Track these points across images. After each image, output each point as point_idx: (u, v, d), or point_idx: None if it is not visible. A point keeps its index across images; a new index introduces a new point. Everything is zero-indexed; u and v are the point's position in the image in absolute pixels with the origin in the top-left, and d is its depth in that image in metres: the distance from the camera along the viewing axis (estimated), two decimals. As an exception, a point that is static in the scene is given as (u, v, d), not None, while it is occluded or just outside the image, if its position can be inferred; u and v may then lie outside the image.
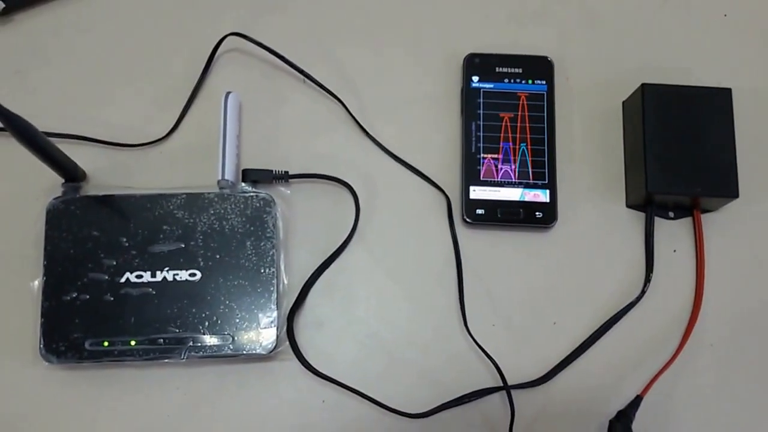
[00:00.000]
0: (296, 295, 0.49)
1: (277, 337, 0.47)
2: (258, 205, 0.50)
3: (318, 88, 0.54)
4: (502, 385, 0.48)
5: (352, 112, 0.54)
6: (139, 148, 0.53)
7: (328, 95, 0.54)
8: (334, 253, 0.51)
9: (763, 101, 0.55)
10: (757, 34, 0.57)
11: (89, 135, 0.52)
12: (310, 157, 0.53)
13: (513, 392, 0.48)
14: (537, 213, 0.51)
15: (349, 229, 0.51)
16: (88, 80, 0.54)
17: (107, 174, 0.52)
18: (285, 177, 0.51)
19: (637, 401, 0.48)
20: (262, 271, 0.48)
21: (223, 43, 0.54)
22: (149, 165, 0.52)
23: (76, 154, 0.49)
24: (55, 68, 0.55)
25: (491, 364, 0.48)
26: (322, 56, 0.55)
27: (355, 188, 0.52)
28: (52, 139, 0.46)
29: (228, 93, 0.51)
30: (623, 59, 0.56)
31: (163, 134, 0.53)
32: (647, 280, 0.51)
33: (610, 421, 0.48)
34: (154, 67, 0.55)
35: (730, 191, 0.49)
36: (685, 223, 0.53)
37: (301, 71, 0.54)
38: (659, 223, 0.52)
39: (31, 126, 0.43)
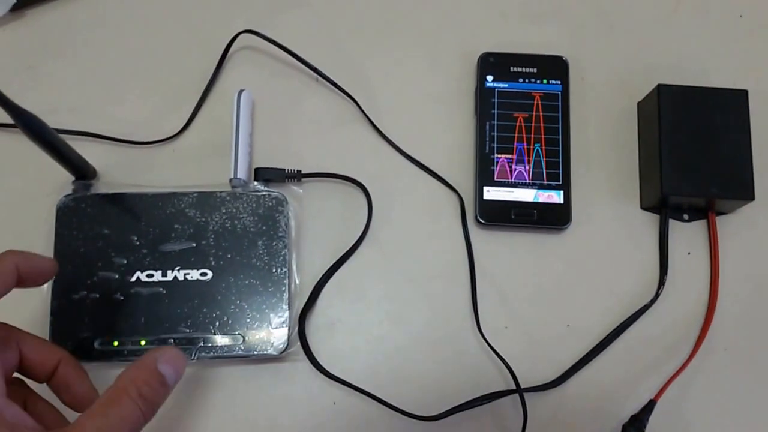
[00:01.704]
0: (308, 295, 0.49)
1: (289, 337, 0.47)
2: (270, 204, 0.49)
3: (331, 86, 0.54)
4: (514, 388, 0.47)
5: (365, 111, 0.53)
6: (150, 145, 0.52)
7: (342, 94, 0.54)
8: (347, 253, 0.50)
9: (779, 103, 0.55)
10: (774, 36, 0.57)
11: (100, 132, 0.52)
12: (322, 156, 0.52)
13: (526, 395, 0.47)
14: (551, 214, 0.51)
15: (362, 229, 0.51)
16: (100, 77, 0.54)
17: (118, 172, 0.51)
18: (297, 176, 0.51)
19: (650, 405, 0.48)
20: (274, 270, 0.48)
21: (236, 41, 0.54)
22: (161, 163, 0.52)
23: (87, 151, 0.49)
24: (67, 64, 0.54)
25: (504, 366, 0.48)
26: (336, 55, 0.55)
27: (368, 188, 0.51)
28: (63, 136, 0.45)
29: (241, 91, 0.51)
30: (639, 60, 0.56)
31: (175, 132, 0.53)
32: (661, 282, 0.50)
33: (624, 426, 0.48)
34: (166, 64, 0.55)
35: (746, 194, 0.49)
36: (700, 225, 0.52)
37: (315, 69, 0.53)
38: (674, 225, 0.52)
39: (42, 122, 0.42)
